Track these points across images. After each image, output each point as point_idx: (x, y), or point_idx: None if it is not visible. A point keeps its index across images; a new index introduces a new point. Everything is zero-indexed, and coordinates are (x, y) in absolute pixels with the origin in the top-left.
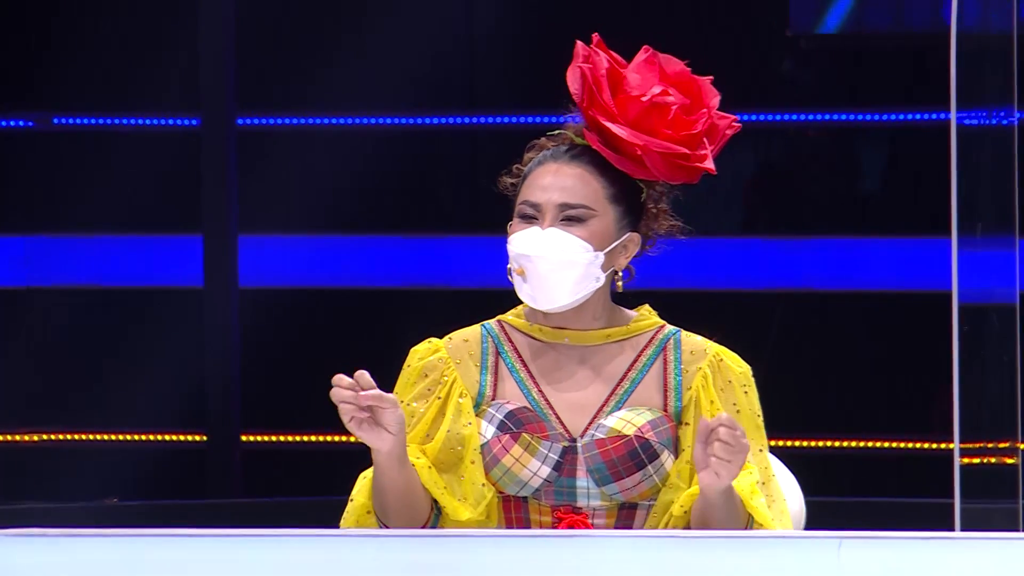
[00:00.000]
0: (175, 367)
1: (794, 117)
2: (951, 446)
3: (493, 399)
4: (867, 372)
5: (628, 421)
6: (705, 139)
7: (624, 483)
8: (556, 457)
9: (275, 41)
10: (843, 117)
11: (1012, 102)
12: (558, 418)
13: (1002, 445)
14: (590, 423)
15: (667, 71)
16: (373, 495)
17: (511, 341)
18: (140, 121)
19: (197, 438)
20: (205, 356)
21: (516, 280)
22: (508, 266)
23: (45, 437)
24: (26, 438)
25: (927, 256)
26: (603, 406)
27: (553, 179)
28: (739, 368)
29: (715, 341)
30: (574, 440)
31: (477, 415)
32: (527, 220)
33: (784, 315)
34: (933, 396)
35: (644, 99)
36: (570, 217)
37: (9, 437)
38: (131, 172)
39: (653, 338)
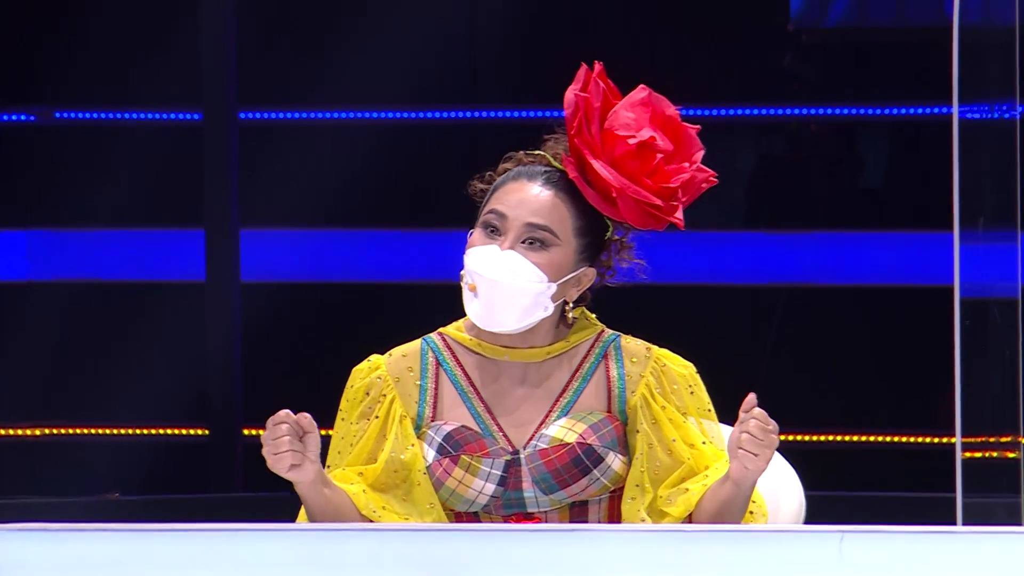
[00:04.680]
0: (177, 361)
1: (796, 112)
2: (953, 440)
3: (433, 419)
4: (868, 366)
5: (569, 428)
6: (680, 191)
7: (571, 489)
8: (500, 472)
9: (277, 35)
10: (845, 111)
11: (1014, 96)
12: (502, 431)
13: (1004, 439)
14: (533, 434)
15: (659, 113)
16: None
17: (454, 355)
18: (142, 115)
19: (199, 432)
20: (206, 350)
21: (467, 294)
22: (461, 272)
23: (46, 431)
24: (27, 432)
25: (929, 250)
26: (546, 418)
27: (523, 196)
28: (683, 370)
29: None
30: (517, 452)
31: (418, 437)
32: (489, 233)
33: (786, 309)
34: (935, 390)
35: (631, 141)
36: (532, 239)
37: (11, 431)
38: (133, 166)
39: (593, 346)
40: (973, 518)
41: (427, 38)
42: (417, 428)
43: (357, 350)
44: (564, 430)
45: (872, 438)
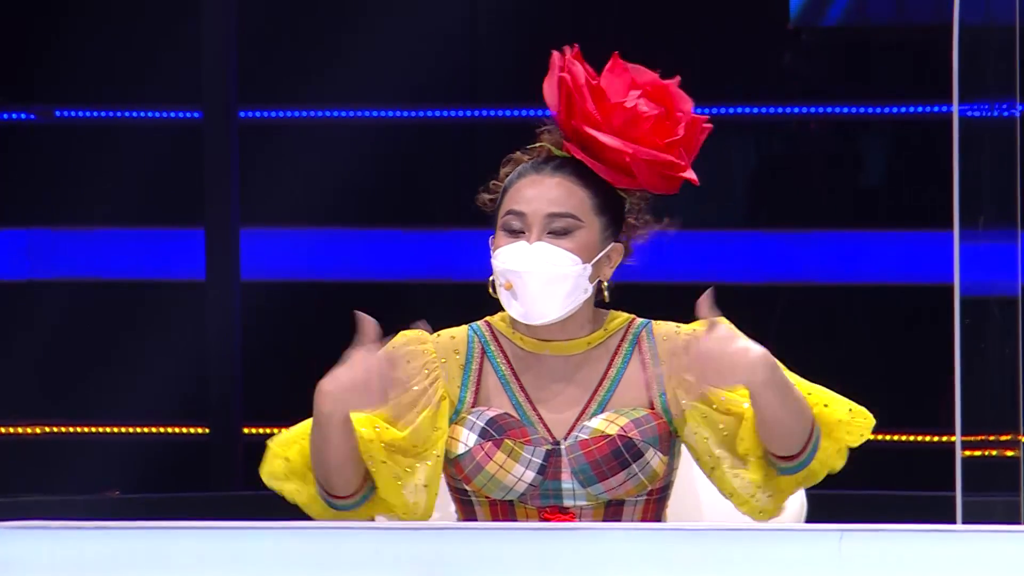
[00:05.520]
0: (177, 360)
1: (796, 110)
2: (952, 439)
3: (474, 405)
4: (868, 365)
5: (611, 421)
6: (682, 148)
7: (609, 483)
8: (540, 461)
9: (277, 34)
10: (845, 110)
11: (1014, 94)
12: (542, 421)
13: (1003, 438)
14: (573, 425)
15: (637, 81)
16: (316, 460)
17: (499, 344)
18: (142, 114)
19: (199, 431)
20: (207, 349)
21: (504, 295)
22: (491, 279)
23: (47, 430)
24: (27, 431)
25: (929, 249)
26: (586, 408)
27: (537, 190)
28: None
29: None
30: (557, 443)
31: (457, 423)
32: (513, 234)
33: (786, 308)
34: (934, 389)
35: (628, 105)
36: (557, 228)
37: (11, 429)
38: (133, 165)
39: (626, 334)
40: (973, 517)
41: (427, 38)
42: (456, 413)
43: None
44: (606, 422)
45: (872, 437)
